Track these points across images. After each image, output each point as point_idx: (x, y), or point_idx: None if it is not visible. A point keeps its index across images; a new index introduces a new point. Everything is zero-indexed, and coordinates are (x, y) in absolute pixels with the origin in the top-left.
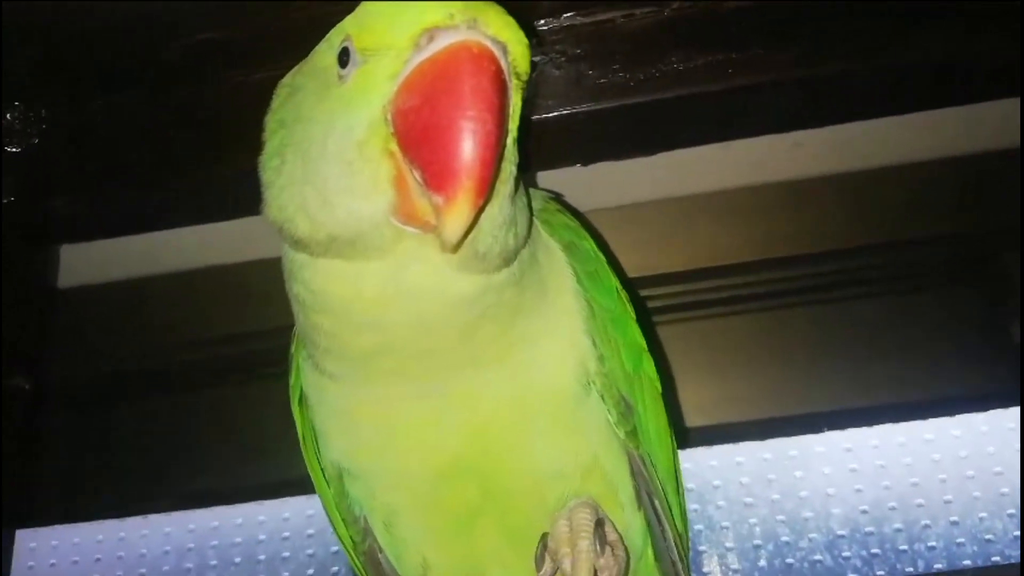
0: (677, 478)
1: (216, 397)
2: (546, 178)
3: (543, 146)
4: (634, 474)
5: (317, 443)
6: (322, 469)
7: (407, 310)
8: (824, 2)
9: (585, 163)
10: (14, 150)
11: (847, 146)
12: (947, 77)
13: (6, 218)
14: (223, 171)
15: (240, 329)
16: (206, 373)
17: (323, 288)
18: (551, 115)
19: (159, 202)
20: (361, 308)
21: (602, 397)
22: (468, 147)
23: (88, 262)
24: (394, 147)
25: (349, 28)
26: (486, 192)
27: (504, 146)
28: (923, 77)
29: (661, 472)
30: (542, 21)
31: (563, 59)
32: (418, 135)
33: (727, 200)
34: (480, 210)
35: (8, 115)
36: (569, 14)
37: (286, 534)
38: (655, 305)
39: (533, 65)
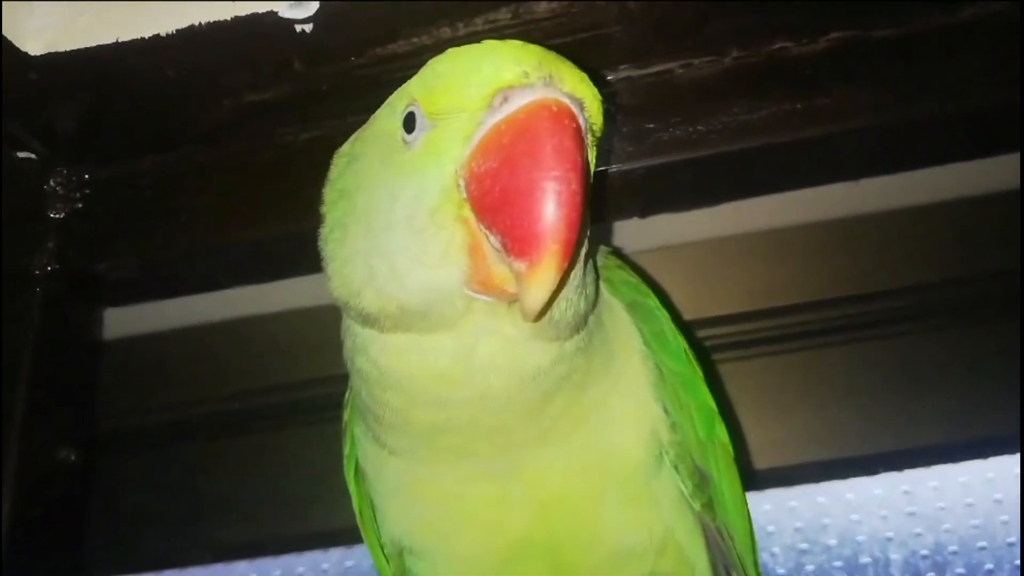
0: (753, 547)
1: (256, 447)
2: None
3: (603, 200)
4: (710, 547)
5: (375, 517)
6: (381, 544)
7: (477, 385)
8: (890, 48)
9: (644, 216)
10: (58, 216)
11: (900, 182)
12: (1014, 121)
13: (49, 284)
14: (272, 232)
15: (281, 379)
16: (245, 423)
17: (392, 365)
18: (611, 169)
19: (205, 265)
20: (432, 384)
21: (675, 468)
22: (552, 209)
23: (132, 315)
24: (468, 213)
25: (415, 91)
26: (571, 256)
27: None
28: (999, 121)
29: (738, 543)
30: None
31: (621, 112)
32: (496, 199)
33: (778, 239)
34: (565, 276)
35: (52, 180)
36: (625, 66)
37: None
38: (705, 346)
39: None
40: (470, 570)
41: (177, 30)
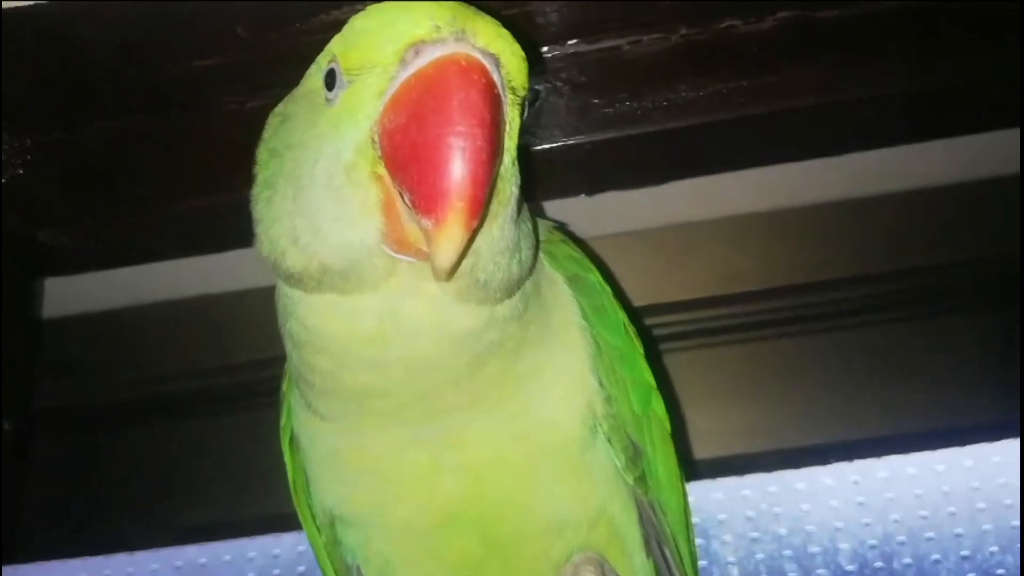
0: (687, 523)
1: (204, 429)
2: (551, 205)
3: (548, 176)
4: (643, 521)
5: (308, 487)
6: (313, 515)
7: (405, 347)
8: (837, 28)
9: (591, 193)
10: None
11: (857, 171)
12: (964, 103)
13: None
14: (218, 201)
15: (229, 360)
16: (194, 404)
17: (318, 325)
18: (556, 145)
19: (151, 234)
20: (357, 346)
21: (609, 441)
22: (457, 165)
23: (73, 292)
24: (382, 170)
25: (335, 48)
26: (479, 213)
27: (500, 164)
28: (941, 104)
29: (671, 518)
30: (545, 48)
31: (568, 87)
32: (405, 156)
33: (735, 227)
34: (474, 233)
35: None
36: (574, 41)
37: (276, 571)
38: (660, 333)
39: (535, 92)
40: (401, 539)
41: None
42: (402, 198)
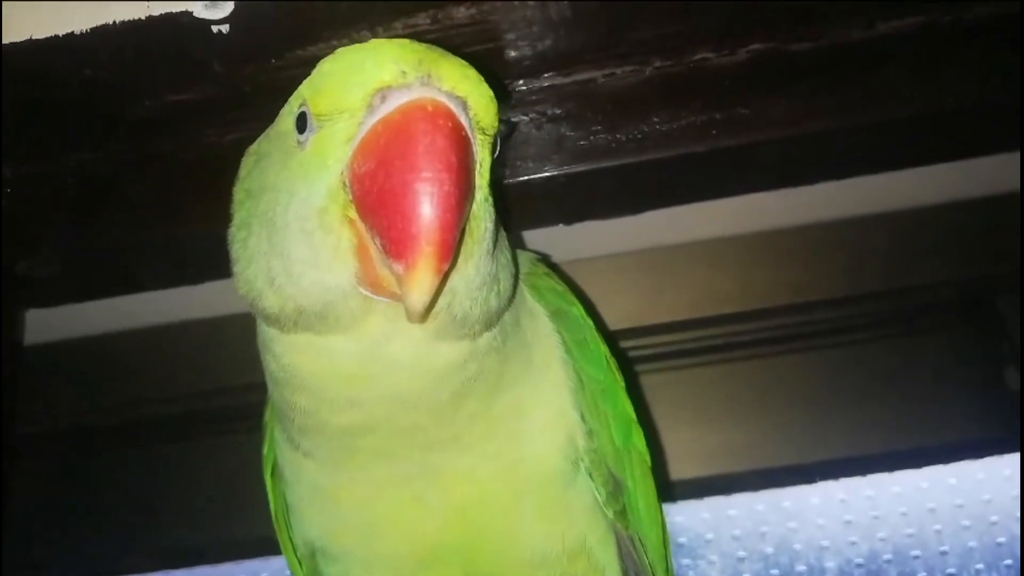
0: (667, 555)
1: (188, 453)
2: (530, 234)
3: (525, 207)
4: (622, 555)
5: (289, 519)
6: (294, 546)
7: (385, 385)
8: (809, 59)
9: (568, 223)
10: None
11: (837, 193)
12: (938, 132)
13: None
14: (198, 233)
15: (213, 384)
16: (178, 428)
17: (295, 364)
18: (533, 177)
19: (130, 266)
20: (336, 385)
21: (590, 475)
22: (425, 211)
23: (55, 319)
24: (354, 214)
25: (305, 92)
26: (449, 257)
27: (471, 204)
28: (914, 133)
29: (651, 552)
30: (521, 81)
31: (544, 120)
32: (374, 201)
33: (715, 249)
34: (446, 275)
35: None
36: (549, 74)
37: None
38: (645, 354)
39: (508, 124)
40: (383, 573)
41: (91, 28)
42: (374, 242)
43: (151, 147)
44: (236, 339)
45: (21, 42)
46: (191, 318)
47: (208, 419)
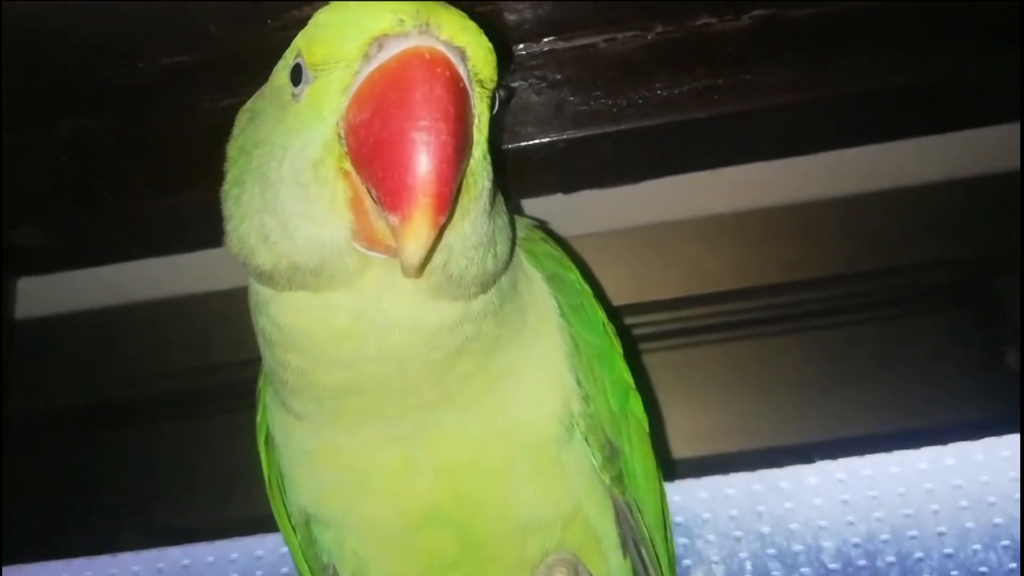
0: (665, 523)
1: (183, 430)
2: (530, 205)
3: (524, 174)
4: (619, 521)
5: (283, 486)
6: (288, 514)
7: (379, 343)
8: (813, 26)
9: (567, 191)
10: None
11: (837, 170)
12: (939, 102)
13: None
14: (193, 200)
15: (209, 360)
16: (172, 406)
17: (290, 323)
18: (532, 143)
19: (125, 233)
20: (330, 343)
21: (586, 440)
22: (422, 160)
23: (47, 292)
24: (349, 166)
25: (300, 43)
26: (446, 208)
27: (468, 158)
28: (915, 102)
29: (648, 518)
30: (521, 46)
31: (544, 85)
32: (370, 151)
33: (715, 226)
34: (442, 229)
35: None
36: (549, 38)
37: (259, 573)
38: (643, 332)
39: (508, 88)
40: (375, 538)
41: None
42: (370, 194)
43: (146, 114)
44: (232, 314)
45: (14, 3)
46: (185, 293)
47: (204, 397)
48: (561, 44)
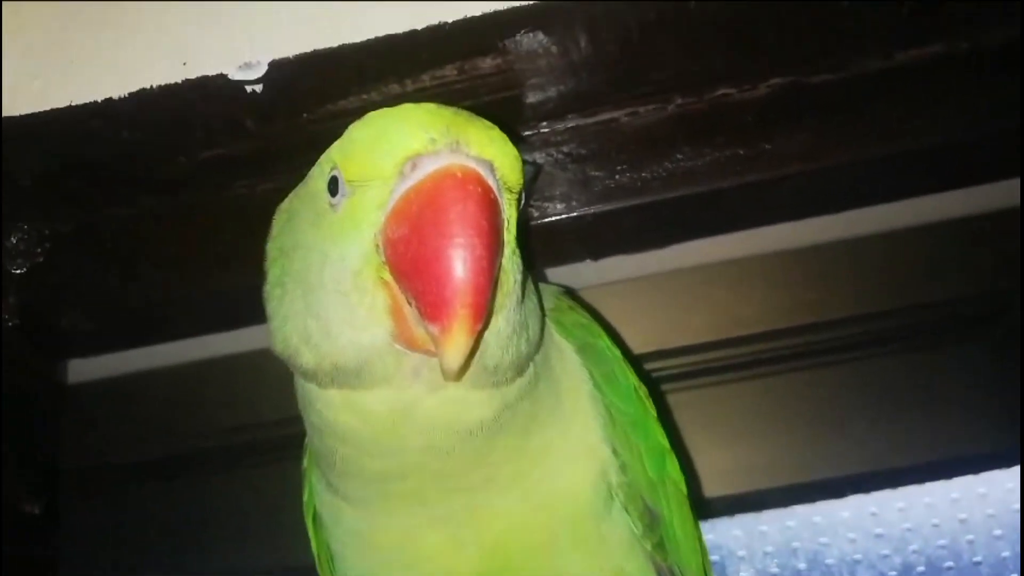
0: None
1: (231, 485)
2: (558, 270)
3: (552, 246)
4: None
5: (333, 564)
6: None
7: (419, 438)
8: (829, 91)
9: (595, 259)
10: (19, 271)
11: (855, 212)
12: (954, 160)
13: (12, 339)
14: (232, 282)
15: (253, 418)
16: (220, 461)
17: (335, 419)
18: (559, 218)
19: (168, 315)
20: (374, 436)
21: (626, 509)
22: (459, 275)
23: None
24: (388, 276)
25: (336, 156)
26: (482, 317)
27: (499, 265)
28: (930, 161)
29: None
30: (545, 123)
31: (569, 160)
32: (408, 266)
33: (739, 269)
34: (480, 335)
35: (12, 236)
36: (572, 115)
37: None
38: (669, 374)
39: (534, 165)
40: None
41: (129, 93)
42: (409, 303)
43: (185, 199)
44: (274, 374)
45: (62, 108)
46: (230, 352)
47: (250, 452)
48: (584, 120)
